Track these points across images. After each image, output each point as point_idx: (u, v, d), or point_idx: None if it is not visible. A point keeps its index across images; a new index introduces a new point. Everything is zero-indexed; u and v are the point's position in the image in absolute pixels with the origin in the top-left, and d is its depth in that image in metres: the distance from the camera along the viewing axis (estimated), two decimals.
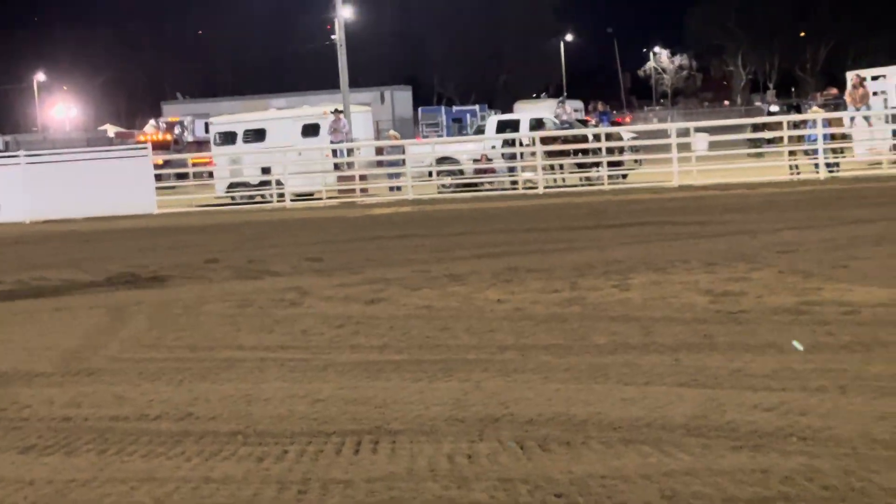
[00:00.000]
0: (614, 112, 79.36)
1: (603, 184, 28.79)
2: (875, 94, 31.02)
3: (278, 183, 31.24)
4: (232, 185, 33.40)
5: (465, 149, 33.46)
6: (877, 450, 5.87)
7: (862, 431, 6.18)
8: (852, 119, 29.83)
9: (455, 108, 75.23)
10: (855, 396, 6.91)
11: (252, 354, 9.46)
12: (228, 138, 34.56)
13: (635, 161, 31.60)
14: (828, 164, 27.34)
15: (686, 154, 29.26)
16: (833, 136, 28.21)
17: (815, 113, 30.09)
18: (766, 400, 6.96)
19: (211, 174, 35.81)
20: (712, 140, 33.75)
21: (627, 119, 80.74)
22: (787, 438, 6.17)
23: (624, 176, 30.48)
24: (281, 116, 36.13)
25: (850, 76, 31.80)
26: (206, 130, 42.42)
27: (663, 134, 31.02)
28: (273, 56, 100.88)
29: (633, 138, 33.70)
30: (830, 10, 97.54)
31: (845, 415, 6.54)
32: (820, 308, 9.86)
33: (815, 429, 6.30)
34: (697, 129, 33.03)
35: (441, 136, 60.48)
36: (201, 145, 49.88)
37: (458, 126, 66.26)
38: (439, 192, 30.57)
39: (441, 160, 32.56)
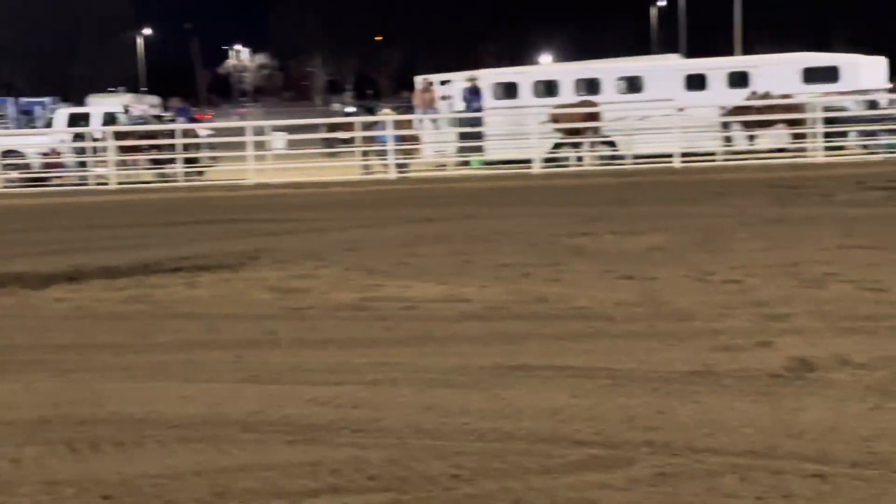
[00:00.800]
0: (194, 109, 78.54)
1: (178, 180, 28.46)
2: (443, 98, 32.33)
3: None
4: None
5: (32, 142, 32.13)
6: (422, 439, 6.12)
7: (409, 422, 6.43)
8: (421, 121, 30.96)
9: (24, 100, 71.91)
10: (405, 388, 7.18)
11: None
12: None
13: (212, 158, 31.47)
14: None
15: (263, 152, 29.44)
16: (403, 138, 29.16)
17: (387, 115, 31.06)
18: (322, 394, 7.10)
19: None
20: (290, 139, 34.10)
21: (208, 116, 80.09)
22: (339, 431, 6.33)
23: (200, 173, 30.25)
24: None
25: (419, 80, 33.03)
26: None
27: (241, 132, 31.05)
28: None
29: (211, 135, 33.54)
30: (403, 18, 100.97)
31: (395, 406, 6.78)
32: (380, 304, 10.17)
33: (367, 420, 6.50)
34: (275, 128, 33.31)
35: (8, 128, 57.70)
36: None
37: (27, 118, 63.40)
38: (4, 188, 29.19)
39: (6, 153, 31.15)
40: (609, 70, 31.07)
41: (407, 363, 7.86)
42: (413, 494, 5.31)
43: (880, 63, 30.90)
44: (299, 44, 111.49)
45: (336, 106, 71.29)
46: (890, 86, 31.75)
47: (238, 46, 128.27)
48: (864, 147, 27.89)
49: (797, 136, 27.73)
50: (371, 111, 42.90)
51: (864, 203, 17.28)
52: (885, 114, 27.64)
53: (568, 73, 31.63)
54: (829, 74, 29.07)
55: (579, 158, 28.89)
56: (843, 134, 27.77)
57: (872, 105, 28.14)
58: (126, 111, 34.69)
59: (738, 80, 29.27)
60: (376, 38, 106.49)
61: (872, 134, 27.59)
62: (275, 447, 6.10)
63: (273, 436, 6.29)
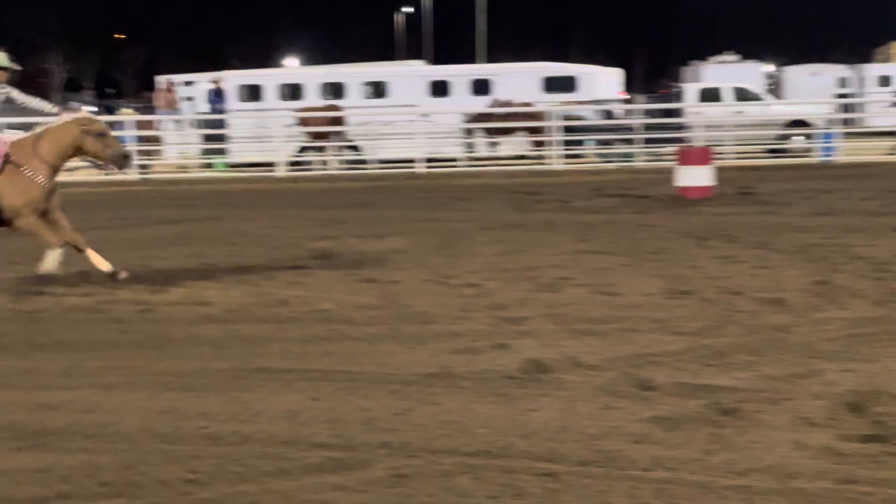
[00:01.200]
0: None
1: None
2: (186, 99, 31.86)
3: None
4: None
5: None
6: (157, 443, 5.99)
7: (145, 426, 6.28)
8: (162, 122, 30.41)
9: None
10: (142, 392, 7.02)
11: None
12: None
13: None
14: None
15: None
16: (145, 139, 28.57)
17: (127, 115, 30.37)
18: (54, 398, 6.88)
19: None
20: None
21: None
22: (71, 436, 6.14)
23: None
24: None
25: (161, 80, 32.43)
26: None
27: None
28: None
29: None
30: (147, 16, 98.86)
31: (131, 410, 6.62)
32: (116, 307, 9.93)
33: (101, 425, 6.32)
34: (8, 127, 31.99)
35: None
36: None
37: None
38: None
39: None
40: (354, 75, 31.28)
41: (143, 367, 7.69)
42: (146, 500, 5.19)
43: (616, 74, 32.15)
44: (35, 39, 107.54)
45: (74, 105, 69.30)
46: (625, 96, 33.07)
47: None
48: (601, 155, 28.91)
49: (537, 144, 28.52)
50: (111, 110, 41.82)
51: (600, 210, 17.90)
52: (620, 123, 28.75)
53: (313, 76, 31.67)
54: (568, 84, 30.05)
55: (324, 162, 28.94)
56: (581, 142, 28.72)
57: (608, 115, 29.22)
58: None
59: (481, 87, 29.94)
60: (117, 36, 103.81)
61: (608, 143, 28.63)
62: (1, 454, 5.86)
63: (1, 442, 6.05)
